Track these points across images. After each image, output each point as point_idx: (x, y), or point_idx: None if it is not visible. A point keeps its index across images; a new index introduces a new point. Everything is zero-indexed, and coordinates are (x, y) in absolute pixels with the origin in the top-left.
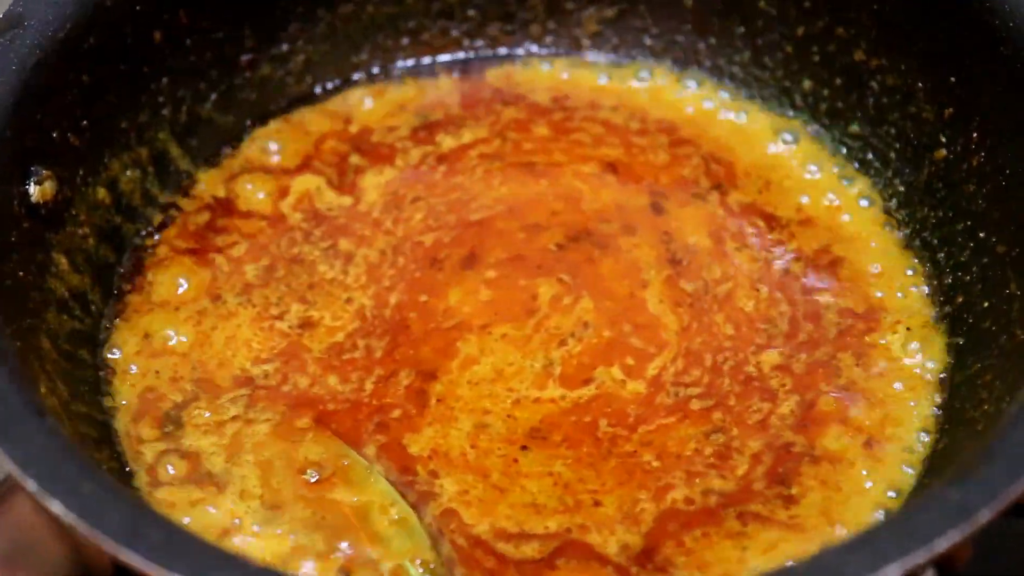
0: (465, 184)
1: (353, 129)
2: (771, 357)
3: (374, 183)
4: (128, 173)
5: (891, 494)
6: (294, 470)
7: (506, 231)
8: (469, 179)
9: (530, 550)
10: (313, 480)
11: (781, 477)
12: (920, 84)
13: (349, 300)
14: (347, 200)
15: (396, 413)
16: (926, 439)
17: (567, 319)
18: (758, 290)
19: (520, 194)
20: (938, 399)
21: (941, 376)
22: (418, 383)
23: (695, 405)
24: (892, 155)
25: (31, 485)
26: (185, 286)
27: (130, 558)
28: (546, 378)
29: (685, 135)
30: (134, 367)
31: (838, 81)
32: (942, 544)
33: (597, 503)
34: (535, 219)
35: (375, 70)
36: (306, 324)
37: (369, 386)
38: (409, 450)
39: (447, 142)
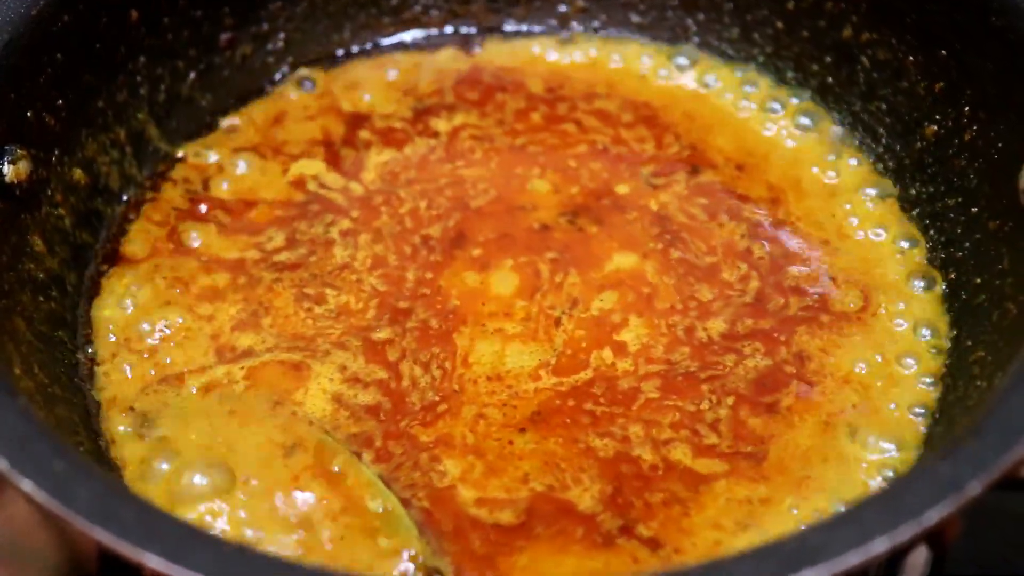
0: (459, 166)
1: (344, 107)
2: (760, 328)
3: (370, 164)
4: (105, 154)
5: (889, 473)
6: (278, 459)
7: (498, 212)
8: (462, 161)
9: (506, 516)
10: (296, 469)
11: (763, 452)
12: (911, 58)
13: (341, 286)
14: (336, 180)
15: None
16: (921, 413)
17: (559, 297)
18: (746, 264)
19: (511, 176)
20: (930, 375)
21: (932, 351)
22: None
23: (684, 377)
24: (883, 131)
25: (2, 464)
26: (163, 269)
27: (102, 537)
28: (542, 367)
29: (673, 113)
30: (112, 351)
31: (828, 57)
32: (931, 517)
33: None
34: (525, 200)
35: (355, 49)
36: (293, 306)
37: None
38: (419, 439)
39: (440, 125)
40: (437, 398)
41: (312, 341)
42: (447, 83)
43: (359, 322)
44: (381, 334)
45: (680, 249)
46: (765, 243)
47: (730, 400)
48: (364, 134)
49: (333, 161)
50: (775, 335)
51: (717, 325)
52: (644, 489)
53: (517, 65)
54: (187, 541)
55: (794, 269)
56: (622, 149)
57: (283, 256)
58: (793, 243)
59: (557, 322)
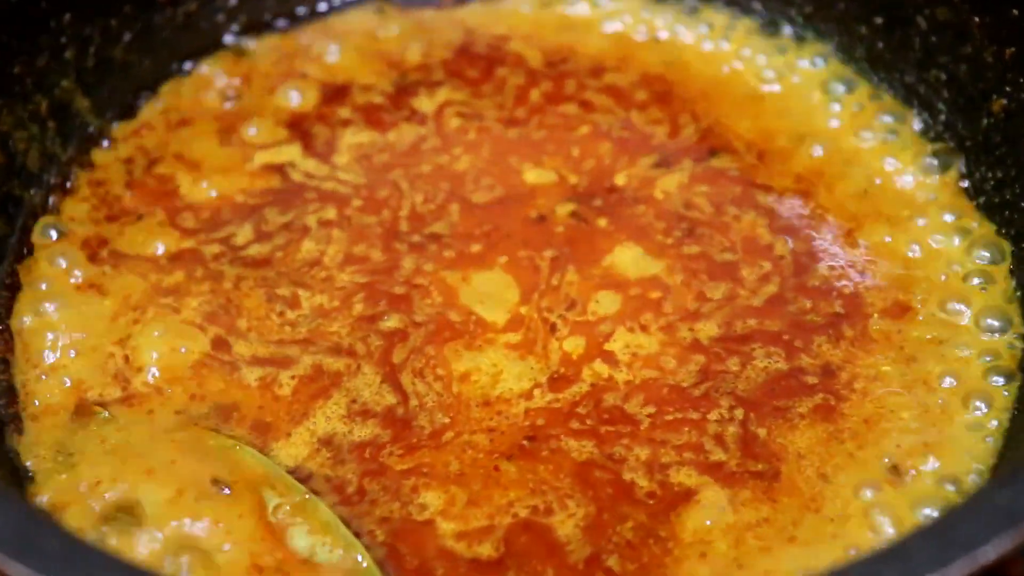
0: (446, 147)
1: (311, 75)
2: (777, 335)
3: (343, 146)
4: (23, 128)
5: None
6: (206, 488)
7: (491, 203)
8: (450, 142)
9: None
10: (224, 493)
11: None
12: (976, 19)
13: (313, 286)
14: (309, 164)
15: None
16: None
17: (556, 299)
18: (769, 263)
19: (506, 162)
20: (1001, 376)
21: (1009, 346)
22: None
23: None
24: (942, 105)
25: None
26: (80, 268)
27: (20, 572)
28: (535, 386)
29: (690, 89)
30: (25, 363)
31: (879, 18)
32: (987, 554)
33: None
34: (523, 189)
35: (322, 6)
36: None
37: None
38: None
39: (425, 104)
40: (424, 424)
41: (282, 353)
42: (434, 55)
43: (335, 331)
44: (360, 347)
45: (694, 244)
46: (788, 239)
47: (740, 413)
48: (339, 111)
49: (305, 144)
50: (794, 342)
51: (723, 329)
52: (630, 517)
53: (512, 32)
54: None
55: (822, 268)
56: (632, 132)
57: (246, 252)
58: (822, 239)
59: (553, 328)
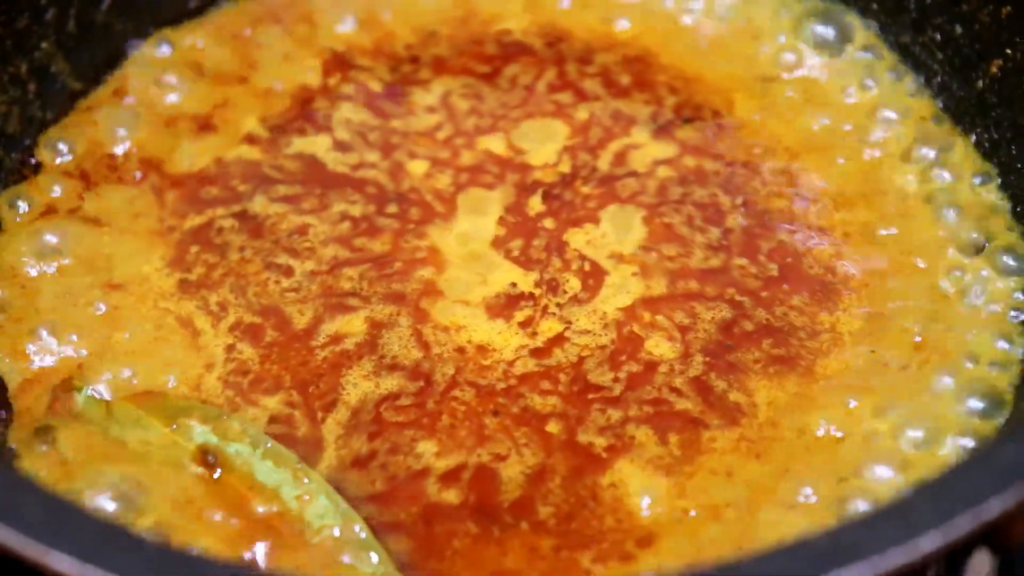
0: (444, 133)
1: (317, 43)
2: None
3: (338, 120)
4: (3, 91)
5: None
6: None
7: (483, 168)
8: (449, 129)
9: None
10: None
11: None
12: None
13: (302, 253)
14: (297, 141)
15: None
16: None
17: (545, 268)
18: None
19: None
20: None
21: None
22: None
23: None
24: (936, 67)
25: None
26: (64, 238)
27: (4, 536)
28: (520, 348)
29: (670, 58)
30: (6, 330)
31: None
32: (991, 509)
33: None
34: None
35: None
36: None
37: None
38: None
39: (424, 90)
40: (408, 381)
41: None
42: (436, 34)
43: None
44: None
45: (676, 214)
46: (772, 203)
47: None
48: (337, 84)
49: (301, 115)
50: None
51: (717, 309)
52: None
53: (509, 15)
54: (104, 540)
55: (813, 243)
56: (620, 105)
57: (227, 233)
58: (810, 207)
59: (543, 294)
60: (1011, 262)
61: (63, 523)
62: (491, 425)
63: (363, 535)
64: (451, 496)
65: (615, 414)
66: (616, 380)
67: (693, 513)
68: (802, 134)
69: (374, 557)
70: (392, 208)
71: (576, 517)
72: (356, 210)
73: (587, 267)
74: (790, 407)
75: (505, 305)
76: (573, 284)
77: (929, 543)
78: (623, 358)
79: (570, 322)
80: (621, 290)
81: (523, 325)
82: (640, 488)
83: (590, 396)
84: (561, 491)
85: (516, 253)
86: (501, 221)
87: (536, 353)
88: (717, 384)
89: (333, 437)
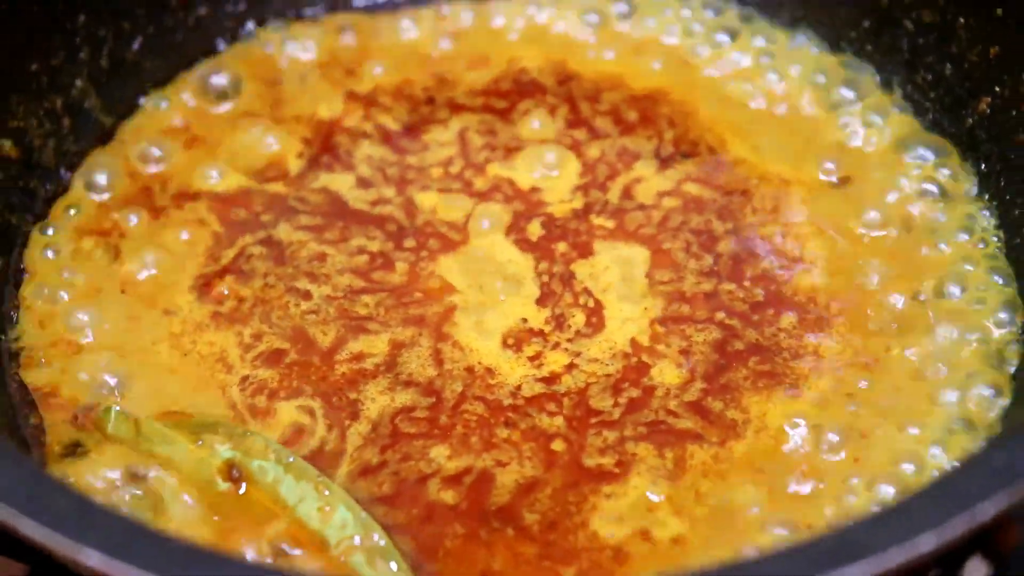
0: (457, 167)
1: (337, 81)
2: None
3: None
4: (39, 125)
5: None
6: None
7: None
8: (461, 163)
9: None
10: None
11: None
12: (962, 20)
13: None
14: (321, 176)
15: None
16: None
17: (559, 300)
18: (754, 263)
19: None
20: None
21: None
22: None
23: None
24: (928, 104)
25: None
26: (99, 258)
27: (32, 530)
28: (528, 375)
29: (673, 102)
30: (42, 351)
31: (866, 22)
32: (986, 511)
33: None
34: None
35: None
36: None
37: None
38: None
39: (441, 129)
40: (421, 396)
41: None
42: (448, 74)
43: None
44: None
45: (680, 245)
46: (772, 240)
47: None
48: (360, 122)
49: (325, 150)
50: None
51: (714, 332)
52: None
53: (513, 40)
54: (131, 536)
55: (798, 271)
56: (627, 142)
57: (255, 261)
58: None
59: (552, 330)
60: (999, 280)
61: (93, 521)
62: (501, 435)
63: (382, 543)
64: (448, 497)
65: (611, 435)
66: (616, 405)
67: (688, 527)
68: (790, 166)
69: (393, 565)
70: (409, 243)
71: (559, 527)
72: (375, 245)
73: (592, 302)
74: (779, 421)
75: (517, 341)
76: (579, 319)
77: (926, 543)
78: (626, 385)
79: (579, 352)
80: (628, 321)
81: (532, 359)
82: (638, 500)
83: (592, 421)
84: (549, 500)
85: (528, 286)
86: (513, 253)
87: (543, 380)
88: (714, 405)
89: (352, 448)
